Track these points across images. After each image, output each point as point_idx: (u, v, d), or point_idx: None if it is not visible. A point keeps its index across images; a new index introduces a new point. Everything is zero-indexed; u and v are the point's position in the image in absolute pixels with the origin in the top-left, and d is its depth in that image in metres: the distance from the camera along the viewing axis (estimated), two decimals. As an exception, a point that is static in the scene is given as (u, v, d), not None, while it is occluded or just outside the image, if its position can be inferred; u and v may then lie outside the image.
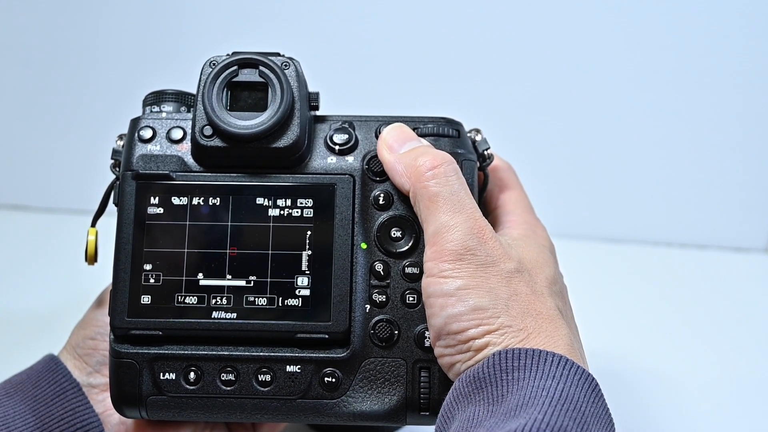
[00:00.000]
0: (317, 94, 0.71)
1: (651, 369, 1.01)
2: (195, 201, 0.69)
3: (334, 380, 0.68)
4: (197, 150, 0.70)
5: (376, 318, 0.68)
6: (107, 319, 0.71)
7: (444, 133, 0.71)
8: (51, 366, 0.74)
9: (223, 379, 0.68)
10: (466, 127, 0.73)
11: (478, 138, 0.73)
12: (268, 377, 0.68)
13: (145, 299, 0.68)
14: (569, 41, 1.15)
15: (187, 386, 0.68)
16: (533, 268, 0.66)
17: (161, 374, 0.68)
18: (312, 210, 0.69)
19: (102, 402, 0.74)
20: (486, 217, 0.70)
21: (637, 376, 1.00)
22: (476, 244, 0.63)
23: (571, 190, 1.20)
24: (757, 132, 1.17)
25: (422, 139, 0.70)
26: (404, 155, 0.68)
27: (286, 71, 0.69)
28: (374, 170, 0.70)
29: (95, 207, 0.76)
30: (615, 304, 1.10)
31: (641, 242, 1.20)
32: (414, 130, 0.71)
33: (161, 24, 1.17)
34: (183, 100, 0.74)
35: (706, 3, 1.11)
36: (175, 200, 0.70)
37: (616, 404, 0.95)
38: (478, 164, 0.73)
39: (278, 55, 0.70)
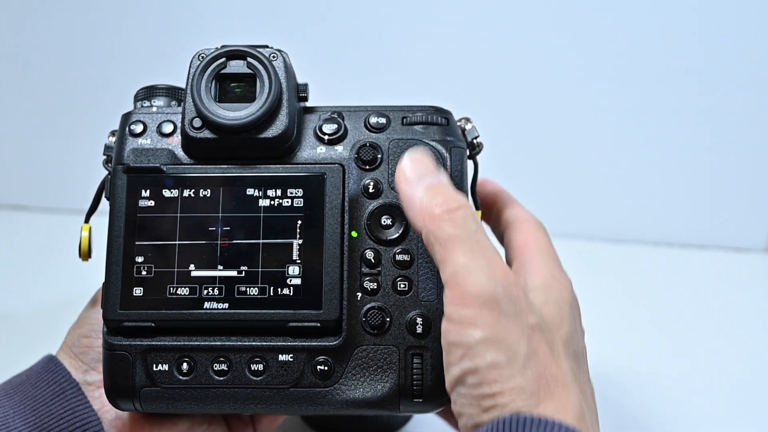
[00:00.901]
0: (306, 85, 0.72)
1: (651, 369, 1.01)
2: (186, 193, 0.70)
3: (326, 368, 0.68)
4: (187, 142, 0.70)
5: (368, 306, 0.68)
6: (101, 317, 0.71)
7: (433, 121, 0.72)
8: (50, 366, 0.75)
9: (216, 369, 0.68)
10: (456, 117, 0.74)
11: (468, 126, 0.74)
12: (260, 366, 0.68)
13: (137, 291, 0.68)
14: (568, 38, 1.15)
15: (180, 377, 0.68)
16: (552, 326, 0.63)
17: (154, 365, 0.68)
18: (302, 200, 0.69)
19: (98, 399, 0.74)
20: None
21: (638, 376, 1.00)
22: (500, 290, 0.60)
23: (571, 190, 1.20)
24: (756, 132, 1.17)
25: (441, 172, 0.66)
26: (420, 192, 0.65)
27: (274, 62, 0.70)
28: (363, 159, 0.70)
29: (94, 206, 0.76)
30: (615, 304, 1.10)
31: (641, 242, 1.20)
32: (403, 119, 0.72)
33: (163, 24, 1.18)
34: (174, 94, 0.75)
35: (708, 1, 1.12)
36: (166, 193, 0.70)
37: (616, 404, 0.95)
38: (467, 152, 0.73)
39: (266, 47, 0.71)
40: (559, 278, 0.69)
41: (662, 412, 0.95)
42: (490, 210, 0.79)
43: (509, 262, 0.72)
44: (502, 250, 0.76)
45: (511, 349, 0.59)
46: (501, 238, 0.76)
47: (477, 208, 0.74)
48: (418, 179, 0.65)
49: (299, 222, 0.69)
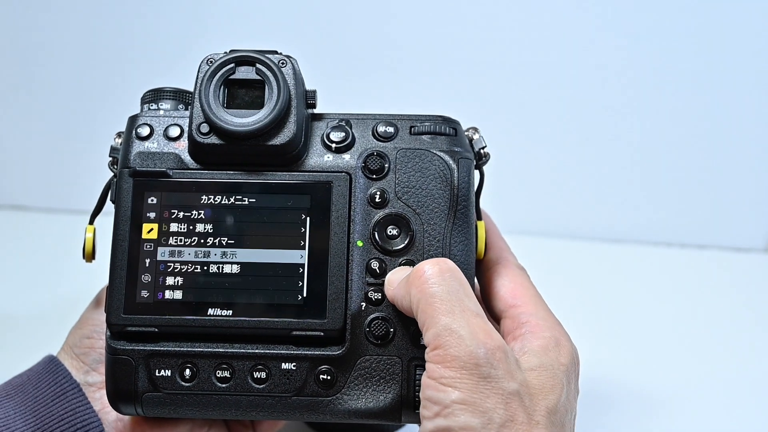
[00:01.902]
0: (314, 92, 0.71)
1: (651, 369, 1.01)
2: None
3: (329, 378, 0.68)
4: (194, 147, 0.70)
5: (372, 316, 0.68)
6: (103, 318, 0.71)
7: (441, 131, 0.71)
8: (51, 367, 0.75)
9: (219, 376, 0.68)
10: (464, 126, 0.74)
11: (476, 136, 0.73)
12: (263, 374, 0.68)
13: (141, 296, 0.69)
14: (568, 39, 1.15)
15: (183, 383, 0.68)
16: (537, 393, 0.62)
17: (157, 371, 0.68)
18: (308, 208, 0.69)
19: (99, 400, 0.74)
20: (492, 304, 0.70)
21: (637, 376, 1.00)
22: (482, 353, 0.60)
23: (571, 190, 1.20)
24: (756, 132, 1.17)
25: None
26: (405, 277, 0.67)
27: (282, 69, 0.70)
28: (371, 168, 0.70)
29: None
30: (615, 305, 1.10)
31: (641, 242, 1.20)
32: (411, 128, 0.72)
33: (162, 23, 1.17)
34: (181, 97, 0.74)
35: (707, 2, 1.12)
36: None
37: (615, 405, 0.95)
38: (474, 162, 0.73)
39: (275, 53, 0.71)
40: (560, 338, 0.67)
41: (662, 412, 0.96)
42: None
43: (496, 310, 0.71)
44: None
45: (486, 414, 0.59)
46: (480, 274, 0.75)
47: (479, 218, 0.74)
48: (401, 276, 0.67)
49: (304, 230, 0.69)
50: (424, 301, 0.63)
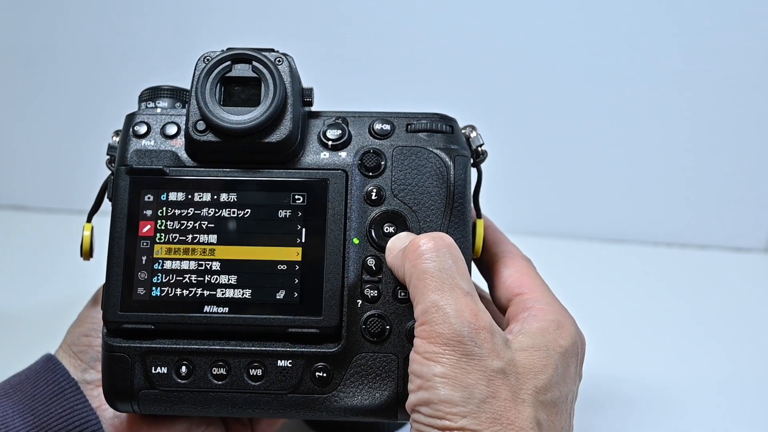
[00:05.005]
0: (311, 89, 0.72)
1: (651, 369, 1.01)
2: (188, 196, 0.70)
3: (325, 375, 0.68)
4: (191, 145, 0.70)
5: (368, 313, 0.68)
6: (101, 316, 0.71)
7: (437, 128, 0.71)
8: (49, 366, 0.75)
9: (215, 373, 0.68)
10: (461, 124, 0.74)
11: (473, 134, 0.73)
12: (259, 371, 0.68)
13: (138, 293, 0.69)
14: (568, 36, 1.15)
15: (179, 380, 0.68)
16: (524, 372, 0.62)
17: (153, 368, 0.68)
18: (304, 205, 0.69)
19: (97, 397, 0.74)
20: (498, 294, 0.70)
21: (637, 376, 1.00)
22: (467, 332, 0.60)
23: (571, 190, 1.20)
24: (756, 132, 1.17)
25: None
26: (402, 248, 0.67)
27: (279, 66, 0.70)
28: (367, 165, 0.70)
29: (94, 206, 0.76)
30: (615, 305, 1.10)
31: (641, 242, 1.20)
32: (407, 126, 0.72)
33: (160, 21, 1.17)
34: (178, 95, 0.75)
35: (707, 3, 1.12)
36: (169, 195, 0.70)
37: (615, 405, 0.95)
38: (471, 160, 0.73)
39: (272, 50, 0.71)
40: (563, 324, 0.67)
41: (661, 412, 0.96)
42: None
43: (503, 299, 0.72)
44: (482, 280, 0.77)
45: (467, 389, 0.59)
46: (486, 270, 0.76)
47: (478, 217, 0.74)
48: (402, 244, 0.67)
49: (301, 227, 0.69)
50: (416, 276, 0.63)
